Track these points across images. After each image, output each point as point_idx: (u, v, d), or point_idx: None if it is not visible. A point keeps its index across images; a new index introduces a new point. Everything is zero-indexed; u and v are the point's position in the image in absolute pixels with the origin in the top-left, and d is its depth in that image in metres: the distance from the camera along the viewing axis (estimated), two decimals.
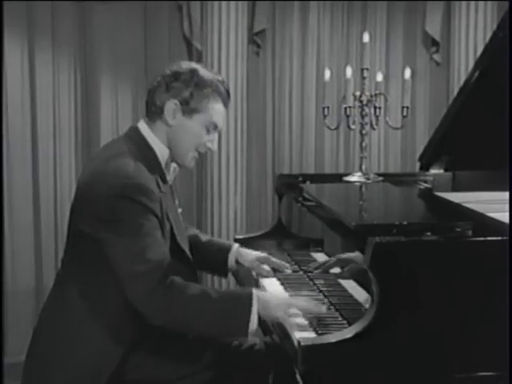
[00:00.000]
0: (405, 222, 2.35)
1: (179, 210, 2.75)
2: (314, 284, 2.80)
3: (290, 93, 5.41)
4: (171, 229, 2.53)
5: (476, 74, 3.12)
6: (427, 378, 2.17)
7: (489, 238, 2.21)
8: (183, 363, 2.52)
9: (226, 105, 2.57)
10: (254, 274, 2.96)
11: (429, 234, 2.27)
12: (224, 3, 4.99)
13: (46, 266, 4.89)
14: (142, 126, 2.55)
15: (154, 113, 2.52)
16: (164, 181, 2.54)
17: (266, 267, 2.95)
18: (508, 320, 2.18)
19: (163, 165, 2.54)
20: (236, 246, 2.98)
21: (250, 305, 2.32)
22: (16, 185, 4.90)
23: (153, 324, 2.35)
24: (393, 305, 2.12)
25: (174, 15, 5.19)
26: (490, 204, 2.99)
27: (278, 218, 3.50)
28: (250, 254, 2.96)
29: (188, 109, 2.49)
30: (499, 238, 2.22)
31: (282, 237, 3.40)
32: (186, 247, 2.64)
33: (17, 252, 4.92)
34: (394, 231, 2.29)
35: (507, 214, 2.60)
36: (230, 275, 3.08)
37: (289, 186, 3.46)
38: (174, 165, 2.61)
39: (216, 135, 2.59)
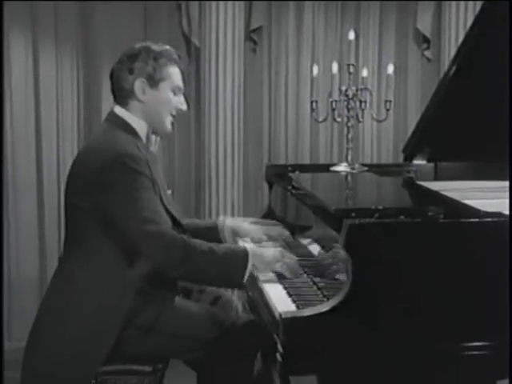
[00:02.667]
0: (380, 207, 2.51)
1: (168, 192, 2.95)
2: (301, 266, 2.96)
3: (285, 88, 5.57)
4: (160, 193, 2.75)
5: (453, 68, 3.28)
6: (397, 349, 2.34)
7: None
8: (178, 340, 2.73)
9: (180, 67, 2.84)
10: None
11: (402, 217, 2.44)
12: (222, 2, 5.14)
13: (50, 256, 5.03)
14: (118, 109, 2.80)
15: (125, 96, 2.78)
16: (147, 150, 2.79)
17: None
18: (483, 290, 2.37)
19: (144, 138, 2.80)
20: (221, 220, 3.20)
21: (246, 261, 2.65)
22: (20, 178, 5.05)
23: (168, 275, 2.64)
24: (366, 280, 2.29)
25: (174, 13, 5.35)
26: (468, 192, 3.17)
27: (268, 206, 3.68)
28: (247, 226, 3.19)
29: (154, 81, 2.75)
30: (463, 220, 2.40)
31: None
32: (173, 210, 2.84)
33: (21, 243, 5.10)
34: (371, 215, 2.46)
35: (484, 201, 2.78)
36: None
37: (279, 175, 3.62)
38: (154, 136, 2.86)
39: (182, 97, 2.84)
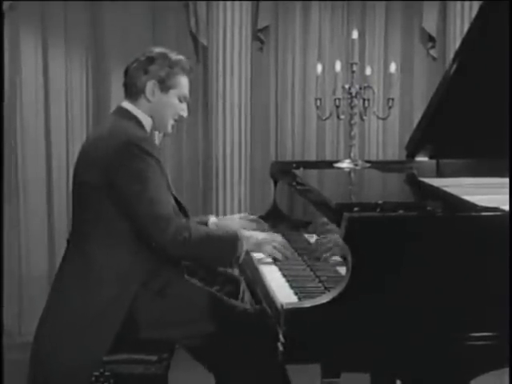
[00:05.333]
0: (380, 201, 2.57)
1: None
2: (304, 261, 3.03)
3: (292, 86, 5.61)
4: (167, 180, 2.94)
5: (454, 66, 3.32)
6: (396, 340, 2.40)
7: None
8: (186, 309, 2.87)
9: (189, 77, 3.07)
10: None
11: (401, 211, 2.50)
12: (229, 2, 5.20)
13: (59, 253, 5.06)
14: (126, 104, 3.02)
15: (135, 93, 2.99)
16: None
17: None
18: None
19: (149, 131, 2.99)
20: (212, 219, 3.37)
21: (237, 243, 2.90)
22: (30, 177, 5.15)
23: (172, 255, 2.86)
24: (365, 272, 2.35)
25: (181, 13, 5.39)
26: (470, 188, 3.21)
27: (273, 202, 3.75)
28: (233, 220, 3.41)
29: (165, 86, 2.98)
30: (460, 214, 2.47)
31: (277, 219, 3.61)
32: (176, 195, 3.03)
33: (31, 240, 5.20)
34: (371, 209, 2.52)
35: (485, 197, 2.83)
36: None
37: (283, 172, 3.68)
38: (157, 132, 3.11)
39: (185, 105, 3.04)
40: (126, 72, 3.01)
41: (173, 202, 2.90)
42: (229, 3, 5.21)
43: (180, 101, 3.03)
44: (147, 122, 2.99)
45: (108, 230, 2.82)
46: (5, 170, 4.98)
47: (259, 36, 5.52)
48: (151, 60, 2.97)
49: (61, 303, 2.82)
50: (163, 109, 2.99)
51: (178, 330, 2.88)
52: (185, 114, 3.07)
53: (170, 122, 3.04)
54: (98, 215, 2.83)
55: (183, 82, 3.02)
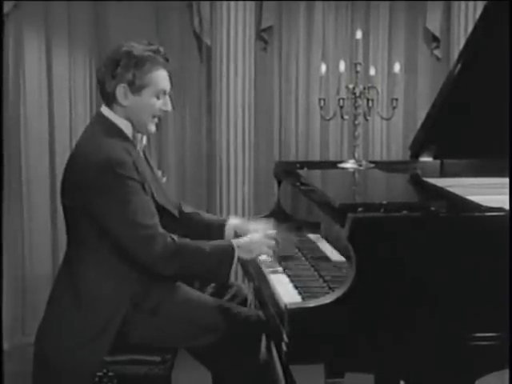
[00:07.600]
0: (384, 202, 2.57)
1: (163, 179, 3.08)
2: (308, 261, 3.04)
3: (295, 86, 5.61)
4: (151, 192, 2.82)
5: (458, 66, 3.32)
6: (400, 340, 2.40)
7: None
8: (181, 326, 2.82)
9: (166, 68, 2.86)
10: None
11: (405, 211, 2.50)
12: (232, 2, 5.20)
13: (62, 251, 5.01)
14: (104, 110, 2.85)
15: (108, 99, 2.83)
16: (134, 149, 2.84)
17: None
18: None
19: (130, 136, 2.84)
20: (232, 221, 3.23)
21: (232, 256, 2.78)
22: (34, 177, 5.13)
23: (163, 273, 2.73)
24: (369, 272, 2.35)
25: (185, 13, 5.40)
26: (474, 188, 3.21)
27: (277, 202, 3.74)
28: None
29: (135, 88, 2.78)
30: (464, 214, 2.47)
31: (281, 219, 3.59)
32: (167, 204, 2.94)
33: (35, 241, 5.18)
34: (375, 209, 2.52)
35: (489, 197, 2.82)
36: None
37: (287, 172, 3.68)
38: (140, 134, 2.91)
39: (167, 97, 2.87)
40: (97, 77, 2.88)
41: (157, 220, 2.76)
42: (232, 3, 5.21)
43: (158, 97, 2.83)
44: (127, 127, 2.83)
45: (92, 252, 2.74)
46: (9, 168, 4.98)
47: (263, 36, 5.52)
48: (116, 62, 2.78)
49: (57, 318, 2.81)
50: (139, 111, 2.81)
51: (177, 344, 2.89)
52: (167, 108, 2.87)
53: (151, 122, 2.86)
54: (83, 238, 2.76)
55: (157, 76, 2.80)
